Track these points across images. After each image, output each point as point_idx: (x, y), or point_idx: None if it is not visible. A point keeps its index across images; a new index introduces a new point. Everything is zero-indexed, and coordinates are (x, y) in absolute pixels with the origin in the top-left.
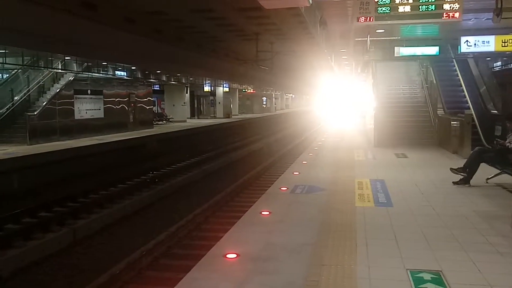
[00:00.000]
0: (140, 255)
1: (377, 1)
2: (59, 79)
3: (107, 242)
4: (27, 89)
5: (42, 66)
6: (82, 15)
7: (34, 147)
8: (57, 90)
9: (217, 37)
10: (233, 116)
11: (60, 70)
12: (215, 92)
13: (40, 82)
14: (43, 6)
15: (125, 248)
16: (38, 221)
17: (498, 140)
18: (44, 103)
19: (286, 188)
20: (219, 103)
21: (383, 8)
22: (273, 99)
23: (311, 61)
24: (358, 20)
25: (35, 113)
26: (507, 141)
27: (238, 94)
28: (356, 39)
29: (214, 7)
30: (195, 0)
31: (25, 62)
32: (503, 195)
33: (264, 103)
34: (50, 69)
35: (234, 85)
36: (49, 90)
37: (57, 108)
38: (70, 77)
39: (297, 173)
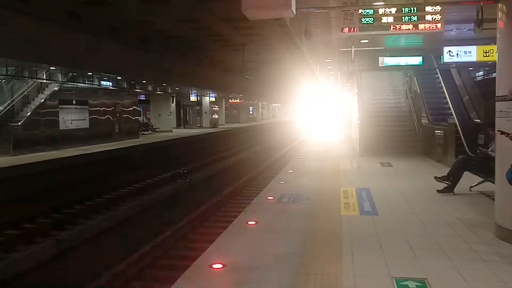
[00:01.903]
0: (126, 266)
1: (361, 12)
2: (44, 89)
3: (92, 253)
4: (11, 99)
5: (27, 76)
6: (67, 25)
7: (18, 158)
8: (42, 101)
9: (203, 47)
10: (219, 126)
11: (45, 80)
12: (201, 101)
13: (24, 92)
14: (28, 16)
15: (111, 259)
16: (21, 232)
17: (481, 148)
18: (28, 114)
19: (272, 198)
20: (206, 112)
21: (367, 19)
22: (260, 108)
23: (296, 71)
24: (342, 31)
25: (19, 123)
26: (489, 149)
27: (225, 104)
28: (341, 49)
29: (201, 17)
30: (181, 10)
31: (9, 72)
32: (486, 203)
33: (251, 112)
34: (34, 79)
35: (220, 94)
36: (33, 100)
37: (42, 118)
38: (55, 87)
39: (284, 182)
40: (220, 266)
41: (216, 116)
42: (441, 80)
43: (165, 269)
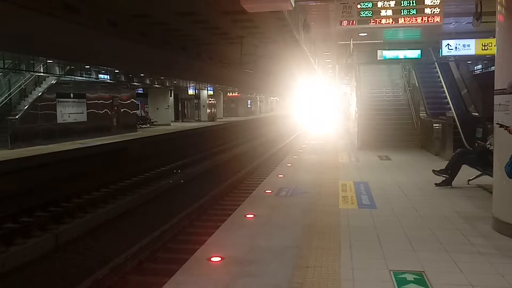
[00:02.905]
0: (124, 259)
1: (360, 5)
2: (41, 83)
3: (90, 247)
4: (8, 92)
5: (24, 69)
6: (64, 18)
7: (16, 152)
8: (39, 94)
9: (201, 40)
10: (217, 119)
11: (42, 74)
12: (199, 95)
13: (21, 85)
14: (25, 8)
15: (109, 253)
16: (20, 226)
17: (479, 142)
18: (26, 107)
19: (270, 191)
20: (204, 106)
21: (366, 12)
22: (258, 102)
23: (295, 65)
24: (341, 24)
25: (17, 117)
26: (487, 143)
27: (223, 97)
28: (340, 42)
29: (199, 10)
30: (179, 3)
31: (6, 66)
32: (484, 196)
33: (249, 106)
34: (32, 73)
35: (218, 88)
36: (31, 93)
37: (39, 111)
38: (52, 80)
39: (282, 176)
40: (218, 259)
41: (214, 109)
42: (440, 73)
43: (164, 262)
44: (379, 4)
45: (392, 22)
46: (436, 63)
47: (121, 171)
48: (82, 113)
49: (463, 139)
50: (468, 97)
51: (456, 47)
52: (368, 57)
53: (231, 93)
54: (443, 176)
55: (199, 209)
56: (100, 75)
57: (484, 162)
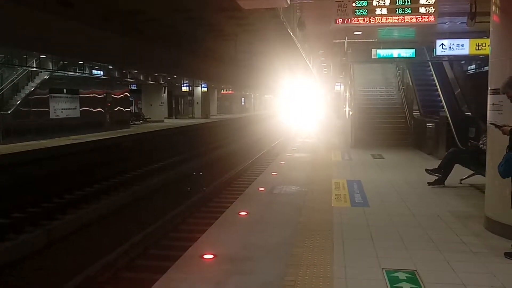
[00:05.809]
0: (116, 256)
1: (355, 4)
2: (34, 78)
3: (82, 243)
4: (1, 87)
5: (17, 64)
6: (58, 13)
7: (7, 147)
8: (32, 89)
9: (196, 37)
10: (211, 117)
11: (35, 69)
12: (193, 92)
13: (14, 80)
14: (17, 2)
15: (101, 249)
16: (11, 221)
17: (472, 141)
18: (18, 102)
19: (264, 189)
20: (197, 103)
21: (361, 10)
22: (252, 100)
23: (289, 63)
24: (336, 22)
25: (9, 112)
26: (480, 142)
27: (217, 94)
28: (334, 40)
29: (194, 6)
30: (175, 0)
31: None
32: (476, 195)
33: (243, 103)
34: (24, 67)
35: (212, 85)
36: (23, 88)
37: (32, 107)
38: (45, 75)
39: (275, 173)
40: (211, 256)
41: (208, 106)
42: (433, 73)
43: (156, 259)
44: (374, 2)
45: (386, 21)
46: (430, 62)
47: (115, 167)
48: (75, 108)
49: (456, 138)
50: (461, 96)
51: (450, 47)
52: (362, 56)
53: (225, 90)
54: (436, 175)
55: (192, 206)
56: (93, 71)
57: (477, 162)
